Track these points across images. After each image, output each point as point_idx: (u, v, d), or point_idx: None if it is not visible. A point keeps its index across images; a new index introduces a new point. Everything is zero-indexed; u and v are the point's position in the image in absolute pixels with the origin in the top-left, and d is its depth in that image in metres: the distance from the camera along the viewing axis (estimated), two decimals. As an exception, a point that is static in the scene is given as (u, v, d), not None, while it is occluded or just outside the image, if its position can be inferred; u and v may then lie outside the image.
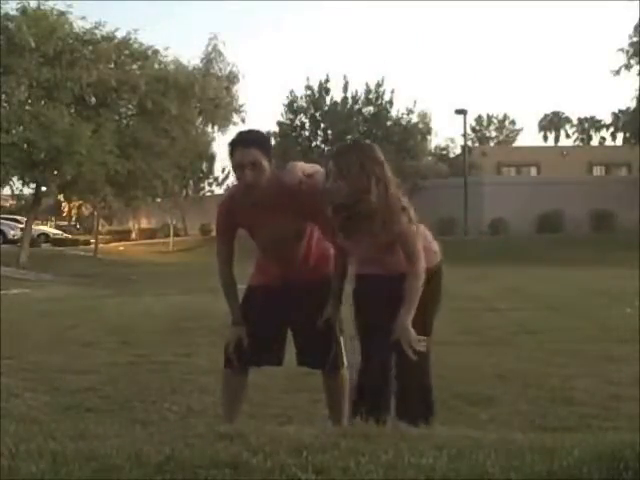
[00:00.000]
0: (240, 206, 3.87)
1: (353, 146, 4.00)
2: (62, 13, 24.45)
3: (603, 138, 65.51)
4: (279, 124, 35.34)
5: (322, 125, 34.32)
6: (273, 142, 35.64)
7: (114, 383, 5.66)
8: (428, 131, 40.81)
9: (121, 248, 39.32)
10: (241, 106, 30.10)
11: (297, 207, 3.73)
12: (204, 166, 43.54)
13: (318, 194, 3.64)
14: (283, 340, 4.03)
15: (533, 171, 44.16)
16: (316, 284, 3.86)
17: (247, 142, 3.74)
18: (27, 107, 24.11)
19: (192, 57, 29.63)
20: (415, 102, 35.14)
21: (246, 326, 3.90)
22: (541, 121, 72.10)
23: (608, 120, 56.31)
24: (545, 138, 70.81)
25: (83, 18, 25.12)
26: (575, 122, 70.62)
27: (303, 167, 3.84)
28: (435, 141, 49.49)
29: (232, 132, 35.13)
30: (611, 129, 56.58)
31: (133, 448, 2.84)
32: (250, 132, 3.95)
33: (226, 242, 3.97)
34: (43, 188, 27.13)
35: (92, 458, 2.74)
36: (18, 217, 36.12)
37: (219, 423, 4.10)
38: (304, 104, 34.83)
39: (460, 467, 2.55)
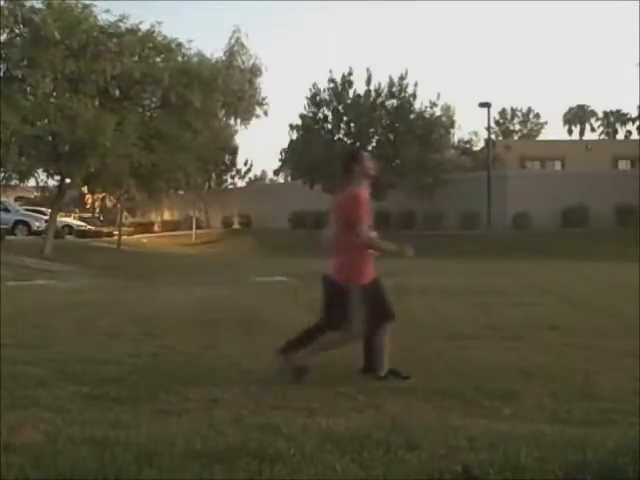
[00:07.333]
0: None
1: None
2: (86, 6, 24.62)
3: (629, 131, 64.91)
4: (302, 117, 35.30)
5: (345, 118, 34.20)
6: (295, 135, 35.71)
7: (139, 373, 5.71)
8: (451, 124, 40.62)
9: (144, 240, 39.56)
10: (264, 99, 30.14)
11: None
12: (227, 158, 43.67)
13: None
14: None
15: (557, 165, 43.76)
16: None
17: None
18: (52, 100, 24.26)
19: (215, 50, 29.68)
20: (438, 95, 35.05)
21: None
22: (566, 114, 71.53)
23: (634, 113, 55.83)
24: (570, 132, 70.28)
25: (107, 11, 25.28)
26: (600, 115, 70.01)
27: None
28: (458, 134, 49.35)
29: (255, 125, 35.19)
30: (637, 122, 56.03)
31: (166, 436, 2.88)
32: None
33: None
34: (67, 180, 27.36)
35: (130, 445, 2.79)
36: (43, 209, 36.43)
37: (248, 414, 4.14)
38: (327, 97, 34.73)
39: (495, 457, 2.56)
